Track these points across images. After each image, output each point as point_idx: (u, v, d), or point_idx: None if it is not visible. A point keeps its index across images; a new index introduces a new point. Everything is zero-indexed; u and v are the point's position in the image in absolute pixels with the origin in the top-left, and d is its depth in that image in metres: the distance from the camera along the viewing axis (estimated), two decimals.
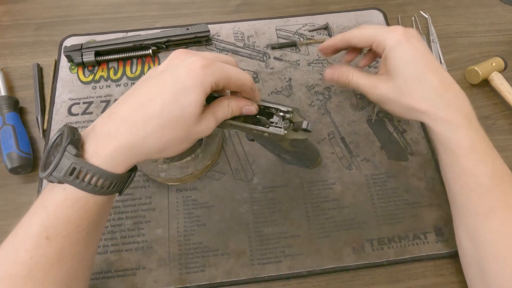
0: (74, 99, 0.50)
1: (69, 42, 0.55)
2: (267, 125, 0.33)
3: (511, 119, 0.50)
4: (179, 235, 0.42)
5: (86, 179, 0.27)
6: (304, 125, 0.32)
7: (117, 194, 0.31)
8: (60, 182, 0.28)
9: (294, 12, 0.59)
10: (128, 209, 0.43)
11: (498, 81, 0.50)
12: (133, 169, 0.31)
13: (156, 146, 0.29)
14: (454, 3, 0.61)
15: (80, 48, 0.51)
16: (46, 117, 0.49)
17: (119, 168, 0.29)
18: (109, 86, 0.51)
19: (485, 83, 0.52)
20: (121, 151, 0.28)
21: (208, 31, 0.53)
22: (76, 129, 0.29)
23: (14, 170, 0.43)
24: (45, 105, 0.50)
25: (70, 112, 0.49)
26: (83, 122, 0.48)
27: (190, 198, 0.44)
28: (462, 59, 0.55)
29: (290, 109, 0.33)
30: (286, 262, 0.40)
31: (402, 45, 0.35)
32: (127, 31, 0.56)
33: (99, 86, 0.51)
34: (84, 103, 0.50)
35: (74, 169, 0.27)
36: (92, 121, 0.48)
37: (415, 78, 0.35)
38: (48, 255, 0.28)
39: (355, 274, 0.40)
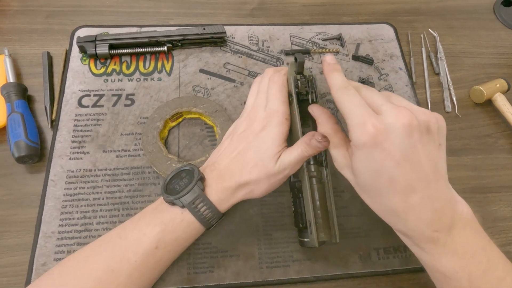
0: (84, 91, 0.49)
1: (81, 32, 0.54)
2: None
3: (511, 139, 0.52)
4: None
5: (202, 210, 0.34)
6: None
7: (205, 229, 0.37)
8: (183, 206, 0.34)
9: (308, 21, 0.60)
10: (137, 206, 0.42)
11: (501, 102, 0.52)
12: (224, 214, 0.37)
13: (248, 185, 0.36)
14: (459, 24, 0.63)
15: (94, 40, 0.50)
16: (55, 107, 0.48)
17: (222, 206, 0.36)
18: (121, 80, 0.51)
19: (488, 103, 0.54)
20: (228, 191, 0.35)
21: (225, 32, 0.53)
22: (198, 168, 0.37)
23: (21, 160, 0.42)
24: (54, 95, 0.49)
25: (80, 104, 0.48)
26: (93, 114, 0.48)
27: None
28: (467, 78, 0.57)
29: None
30: (294, 266, 0.41)
31: (367, 150, 0.29)
32: (140, 26, 0.56)
33: (111, 80, 0.51)
34: (95, 95, 0.49)
35: (197, 199, 0.34)
36: (103, 114, 0.48)
37: (376, 190, 0.31)
38: (149, 262, 0.34)
39: (361, 282, 0.41)
